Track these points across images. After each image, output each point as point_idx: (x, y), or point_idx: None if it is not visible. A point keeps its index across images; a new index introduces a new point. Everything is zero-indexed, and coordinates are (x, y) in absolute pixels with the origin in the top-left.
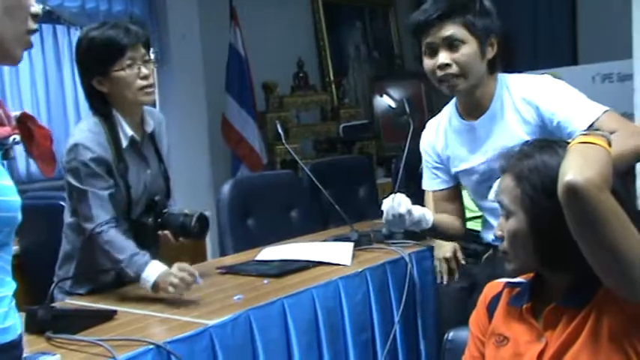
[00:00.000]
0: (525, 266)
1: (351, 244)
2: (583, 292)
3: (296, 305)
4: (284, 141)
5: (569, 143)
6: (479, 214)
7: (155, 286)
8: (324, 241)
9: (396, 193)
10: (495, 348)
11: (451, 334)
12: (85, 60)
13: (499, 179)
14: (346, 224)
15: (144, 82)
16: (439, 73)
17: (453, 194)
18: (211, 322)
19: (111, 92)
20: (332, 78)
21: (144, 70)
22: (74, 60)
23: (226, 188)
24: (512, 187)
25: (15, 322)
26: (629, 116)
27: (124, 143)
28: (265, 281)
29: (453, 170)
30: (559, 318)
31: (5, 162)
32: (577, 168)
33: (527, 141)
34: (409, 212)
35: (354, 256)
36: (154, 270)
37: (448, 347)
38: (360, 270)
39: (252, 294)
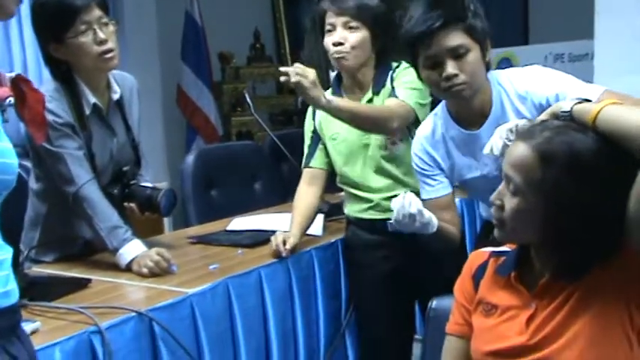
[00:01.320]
0: (521, 240)
1: (321, 215)
2: (578, 268)
3: (272, 275)
4: (252, 111)
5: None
6: (371, 204)
7: (129, 264)
8: None
9: (406, 192)
10: (483, 317)
11: (435, 302)
12: (38, 26)
13: (501, 139)
14: None
15: (102, 48)
16: (445, 84)
17: (452, 201)
18: (191, 291)
19: (69, 59)
20: (288, 50)
21: (100, 35)
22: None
23: (190, 159)
24: (533, 166)
25: (15, 286)
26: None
27: (87, 111)
28: (239, 251)
29: (458, 179)
30: (549, 289)
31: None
32: None
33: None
34: (420, 212)
35: (325, 227)
36: (133, 249)
37: (432, 315)
38: (332, 241)
39: (227, 263)
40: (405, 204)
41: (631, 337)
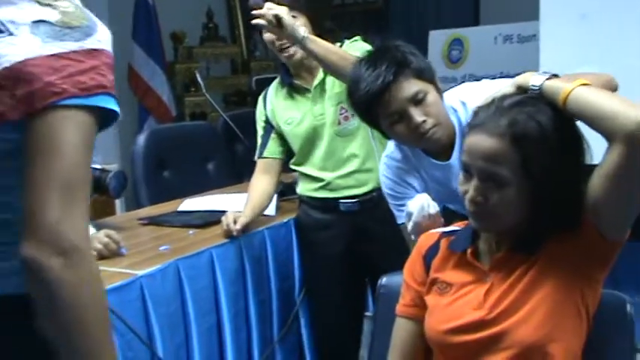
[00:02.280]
0: (504, 226)
1: (275, 195)
2: (534, 240)
3: (223, 255)
4: (204, 91)
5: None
6: (323, 183)
7: None
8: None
9: (421, 194)
10: (438, 295)
11: (384, 280)
12: None
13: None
14: None
15: None
16: (415, 133)
17: None
18: (141, 272)
19: None
20: (242, 30)
21: None
22: None
23: (141, 139)
24: (510, 152)
25: None
26: None
27: None
28: (190, 232)
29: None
30: (506, 262)
31: None
32: (635, 104)
33: (499, 98)
34: (438, 213)
35: (278, 206)
36: None
37: (382, 292)
38: (285, 220)
39: (178, 244)
40: (424, 205)
41: (581, 311)
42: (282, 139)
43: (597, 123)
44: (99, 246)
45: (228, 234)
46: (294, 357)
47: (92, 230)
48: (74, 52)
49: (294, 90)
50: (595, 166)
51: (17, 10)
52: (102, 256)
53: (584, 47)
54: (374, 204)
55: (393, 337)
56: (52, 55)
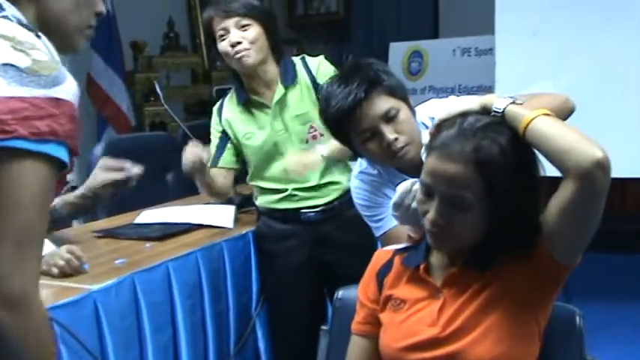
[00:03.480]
0: (461, 245)
1: (232, 207)
2: (487, 258)
3: (180, 268)
4: (162, 101)
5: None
6: (283, 194)
7: None
8: (206, 204)
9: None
10: (393, 312)
11: (340, 293)
12: None
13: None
14: None
15: None
16: (387, 151)
17: None
18: (94, 287)
19: None
20: (203, 40)
21: None
22: None
23: (98, 150)
24: (474, 177)
25: None
26: (488, 89)
27: None
28: (147, 245)
29: None
30: (458, 278)
31: None
32: (593, 142)
33: (462, 120)
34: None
35: (236, 218)
36: None
37: (338, 305)
38: (243, 233)
39: (134, 257)
40: (412, 189)
41: (534, 330)
42: (238, 149)
43: (552, 157)
44: (61, 262)
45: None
46: None
47: (52, 247)
48: (36, 98)
49: (251, 105)
50: (547, 178)
51: None
52: (64, 274)
53: (537, 62)
54: (336, 212)
55: (348, 354)
56: (12, 97)
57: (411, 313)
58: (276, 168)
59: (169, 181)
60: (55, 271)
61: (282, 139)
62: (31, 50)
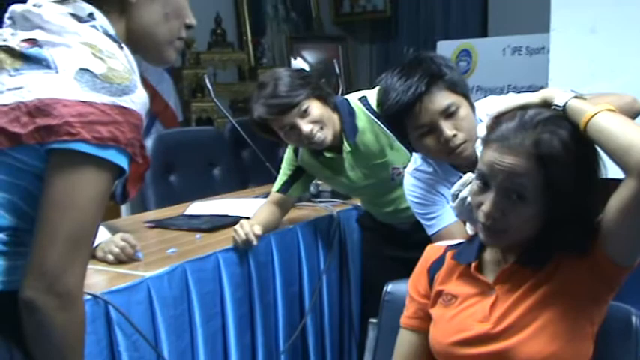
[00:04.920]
0: (517, 241)
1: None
2: (541, 255)
3: (230, 259)
4: (212, 95)
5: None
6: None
7: (93, 251)
8: (255, 197)
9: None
10: (444, 308)
11: (390, 287)
12: None
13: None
14: (269, 183)
15: None
16: (445, 147)
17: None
18: (148, 274)
19: None
20: (250, 37)
21: None
22: None
23: (148, 143)
24: (534, 171)
25: None
26: (539, 89)
27: None
28: (198, 236)
29: None
30: (511, 275)
31: None
32: None
33: (522, 113)
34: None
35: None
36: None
37: (387, 299)
38: (291, 227)
39: (185, 248)
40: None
41: (589, 331)
42: (310, 181)
43: (614, 154)
44: (116, 249)
45: (247, 243)
46: None
47: (107, 234)
48: (104, 104)
49: (325, 158)
50: (609, 180)
51: (70, 54)
52: (119, 261)
53: (594, 60)
54: None
55: (397, 348)
56: (83, 102)
57: (463, 309)
58: (368, 204)
59: (216, 175)
60: (110, 257)
61: (370, 183)
62: (109, 59)
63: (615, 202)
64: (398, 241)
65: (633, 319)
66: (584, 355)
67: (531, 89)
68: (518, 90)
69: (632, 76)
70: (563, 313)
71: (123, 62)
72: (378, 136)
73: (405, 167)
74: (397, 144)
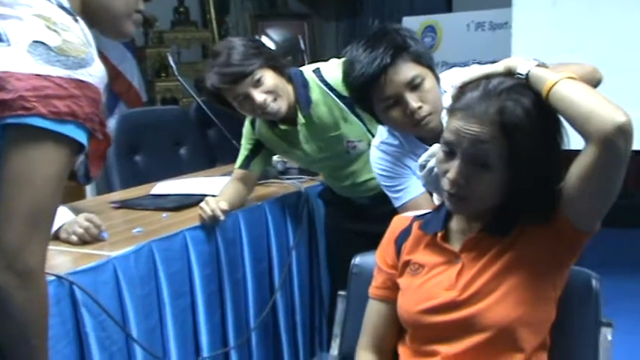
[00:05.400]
0: (481, 208)
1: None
2: (506, 223)
3: (197, 238)
4: (176, 74)
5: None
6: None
7: (56, 232)
8: (223, 175)
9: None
10: (411, 277)
11: (358, 259)
12: None
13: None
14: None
15: None
16: (411, 119)
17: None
18: (114, 254)
19: None
20: (213, 15)
21: None
22: None
23: (112, 123)
24: (498, 139)
25: None
26: None
27: None
28: (164, 215)
29: None
30: (477, 243)
31: None
32: (616, 107)
33: (487, 82)
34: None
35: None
36: (59, 216)
37: (355, 271)
38: (259, 204)
39: (151, 227)
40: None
41: (552, 296)
42: (271, 156)
43: (574, 121)
44: (79, 230)
45: (214, 219)
46: (270, 344)
47: (71, 215)
48: (60, 77)
49: (280, 130)
50: (571, 151)
51: (22, 26)
52: (84, 241)
53: (556, 34)
54: None
55: (366, 319)
56: (37, 75)
57: (429, 277)
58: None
59: (183, 154)
60: (74, 238)
61: (319, 157)
62: (63, 31)
63: (576, 169)
64: (358, 215)
65: (593, 282)
66: (547, 320)
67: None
68: (483, 65)
69: (595, 49)
70: (527, 279)
71: (78, 35)
72: (331, 108)
73: (360, 141)
74: (352, 117)
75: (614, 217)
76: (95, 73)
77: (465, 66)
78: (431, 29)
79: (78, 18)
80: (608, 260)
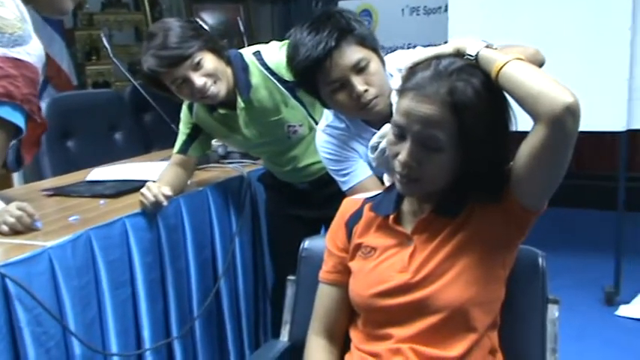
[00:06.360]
0: (433, 189)
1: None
2: (456, 204)
3: (138, 225)
4: (111, 56)
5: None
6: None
7: None
8: (161, 160)
9: None
10: (363, 260)
11: (307, 243)
12: None
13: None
14: (173, 146)
15: None
16: (357, 102)
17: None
18: (49, 244)
19: None
20: None
21: None
22: None
23: (42, 107)
24: (448, 119)
25: None
26: None
27: None
28: (102, 202)
29: None
30: (428, 224)
31: None
32: (564, 88)
33: (437, 62)
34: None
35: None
36: None
37: (304, 255)
38: (200, 189)
39: (88, 215)
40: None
41: (501, 275)
42: (209, 140)
43: (523, 101)
44: (11, 220)
45: (157, 205)
46: (214, 332)
47: (1, 204)
48: None
49: (219, 114)
50: (519, 133)
51: None
52: (16, 231)
53: (491, 18)
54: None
55: (317, 303)
56: None
57: (382, 260)
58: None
59: (118, 139)
60: (4, 228)
61: (260, 142)
62: None
63: (525, 148)
64: (299, 200)
65: (540, 260)
66: (498, 299)
67: None
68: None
69: (528, 32)
70: (478, 259)
71: (13, 11)
72: (272, 92)
73: (300, 125)
74: (292, 101)
75: (556, 197)
76: (33, 52)
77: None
78: (367, 13)
79: None
80: (550, 237)
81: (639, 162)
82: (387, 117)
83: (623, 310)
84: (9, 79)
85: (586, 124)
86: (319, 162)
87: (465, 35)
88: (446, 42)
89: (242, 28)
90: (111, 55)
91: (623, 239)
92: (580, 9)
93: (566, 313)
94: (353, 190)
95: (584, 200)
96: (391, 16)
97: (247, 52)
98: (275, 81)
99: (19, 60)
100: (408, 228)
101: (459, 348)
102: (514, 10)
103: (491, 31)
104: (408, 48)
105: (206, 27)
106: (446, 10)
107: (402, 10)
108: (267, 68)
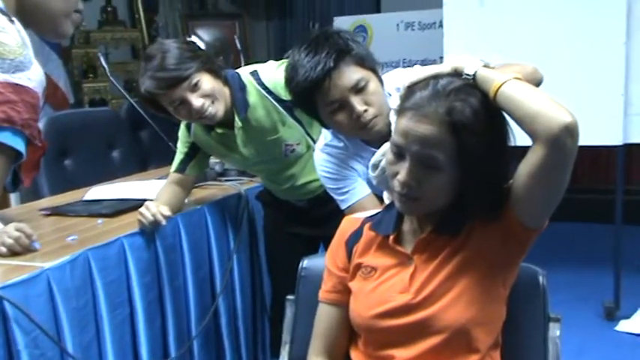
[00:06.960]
0: (432, 209)
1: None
2: (456, 223)
3: (135, 244)
4: (108, 74)
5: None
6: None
7: None
8: (159, 178)
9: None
10: (363, 280)
11: (306, 262)
12: None
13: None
14: (170, 164)
15: None
16: (357, 123)
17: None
18: (47, 265)
19: None
20: (142, 14)
21: None
22: None
23: (40, 126)
24: (447, 139)
25: None
26: (433, 63)
27: None
28: (99, 221)
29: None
30: (429, 244)
31: None
32: (562, 107)
33: (435, 82)
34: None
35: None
36: None
37: (303, 274)
38: (198, 207)
39: (86, 234)
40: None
41: (502, 294)
42: (207, 158)
43: (522, 121)
44: (9, 241)
45: (155, 225)
46: (212, 351)
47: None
48: None
49: (217, 134)
50: (518, 147)
51: None
52: (14, 252)
53: (485, 33)
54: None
55: (316, 323)
56: None
57: (382, 281)
58: (264, 180)
59: (115, 157)
60: (3, 250)
61: (257, 161)
62: None
63: (524, 167)
64: (297, 218)
65: (540, 278)
66: (499, 318)
67: (425, 63)
68: (413, 64)
69: (523, 48)
70: (478, 279)
71: (14, 37)
72: (269, 111)
73: (298, 144)
74: (290, 120)
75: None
76: (34, 77)
77: (396, 65)
78: (362, 29)
79: (13, 19)
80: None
81: (636, 175)
82: (386, 136)
83: (624, 326)
84: (10, 105)
85: (583, 139)
86: (317, 180)
87: (459, 51)
88: (441, 57)
89: (239, 45)
90: (108, 74)
91: (622, 253)
92: (575, 25)
93: (566, 329)
94: (352, 209)
95: (582, 214)
96: (386, 32)
97: (244, 72)
98: (272, 100)
99: (20, 85)
100: (408, 248)
101: None
102: (509, 25)
103: (486, 47)
104: (403, 63)
105: (202, 45)
106: (441, 25)
107: (397, 25)
108: (265, 87)
